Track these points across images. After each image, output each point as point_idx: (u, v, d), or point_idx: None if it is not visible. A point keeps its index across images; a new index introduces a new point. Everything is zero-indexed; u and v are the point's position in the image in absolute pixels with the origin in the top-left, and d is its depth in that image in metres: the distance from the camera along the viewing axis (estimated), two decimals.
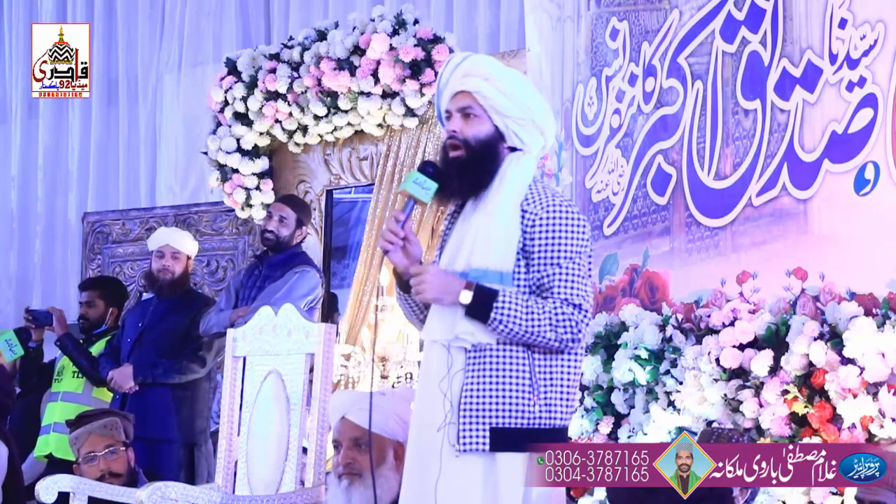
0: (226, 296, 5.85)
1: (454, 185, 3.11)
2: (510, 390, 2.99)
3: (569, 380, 3.06)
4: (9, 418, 5.88)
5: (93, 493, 4.26)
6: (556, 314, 2.98)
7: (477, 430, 2.97)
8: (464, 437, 2.97)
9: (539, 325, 2.97)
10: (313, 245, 6.99)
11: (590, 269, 3.11)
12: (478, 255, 3.04)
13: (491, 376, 3.00)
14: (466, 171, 3.09)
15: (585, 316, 3.01)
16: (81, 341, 6.31)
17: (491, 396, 2.98)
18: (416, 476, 3.08)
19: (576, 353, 3.08)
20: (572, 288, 3.02)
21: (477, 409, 2.98)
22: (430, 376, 3.09)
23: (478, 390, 2.99)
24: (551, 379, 3.03)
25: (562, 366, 3.05)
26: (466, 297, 2.97)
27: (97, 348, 6.26)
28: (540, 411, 3.00)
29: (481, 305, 2.96)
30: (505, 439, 2.97)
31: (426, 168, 3.09)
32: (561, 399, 3.04)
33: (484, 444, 2.97)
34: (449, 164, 3.11)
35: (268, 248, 5.83)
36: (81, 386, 6.20)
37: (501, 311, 2.96)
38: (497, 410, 2.98)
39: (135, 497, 3.65)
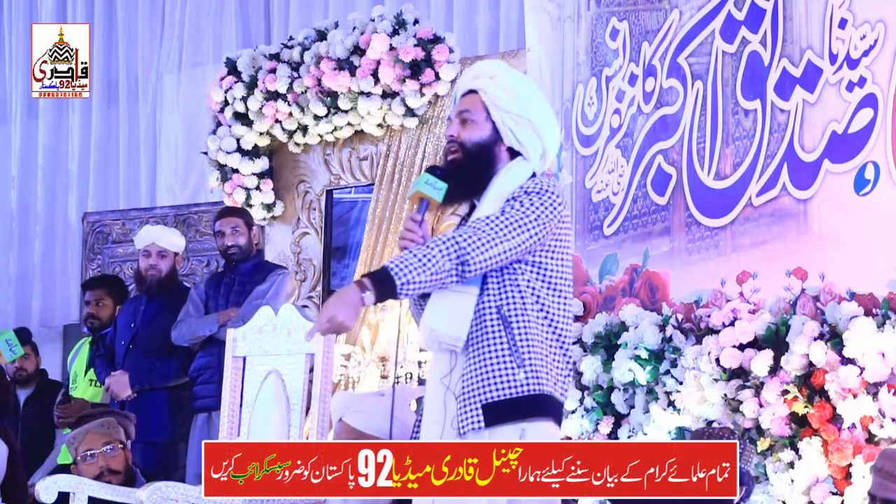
0: (192, 305, 5.84)
1: (454, 188, 3.14)
2: (493, 362, 2.96)
3: (551, 345, 3.03)
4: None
5: (93, 494, 4.26)
6: (453, 242, 2.92)
7: (471, 409, 2.96)
8: (462, 419, 2.96)
9: (438, 261, 2.89)
10: (313, 245, 6.99)
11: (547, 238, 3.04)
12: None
13: (476, 355, 2.98)
14: (463, 172, 3.13)
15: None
16: (90, 341, 6.27)
17: (479, 374, 2.97)
18: None
19: (556, 322, 3.04)
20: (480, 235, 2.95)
21: (469, 390, 2.97)
22: (434, 376, 3.10)
23: (468, 374, 2.98)
24: (531, 345, 2.98)
25: (542, 331, 3.01)
26: (370, 296, 2.88)
27: None
28: (526, 378, 2.96)
29: (385, 285, 2.88)
30: (497, 413, 2.95)
31: (434, 171, 3.13)
32: (543, 365, 2.99)
33: (479, 421, 2.94)
34: (447, 167, 3.16)
35: (235, 261, 5.86)
36: (99, 395, 6.13)
37: (400, 272, 2.87)
38: (485, 386, 2.96)
39: (135, 497, 3.65)
